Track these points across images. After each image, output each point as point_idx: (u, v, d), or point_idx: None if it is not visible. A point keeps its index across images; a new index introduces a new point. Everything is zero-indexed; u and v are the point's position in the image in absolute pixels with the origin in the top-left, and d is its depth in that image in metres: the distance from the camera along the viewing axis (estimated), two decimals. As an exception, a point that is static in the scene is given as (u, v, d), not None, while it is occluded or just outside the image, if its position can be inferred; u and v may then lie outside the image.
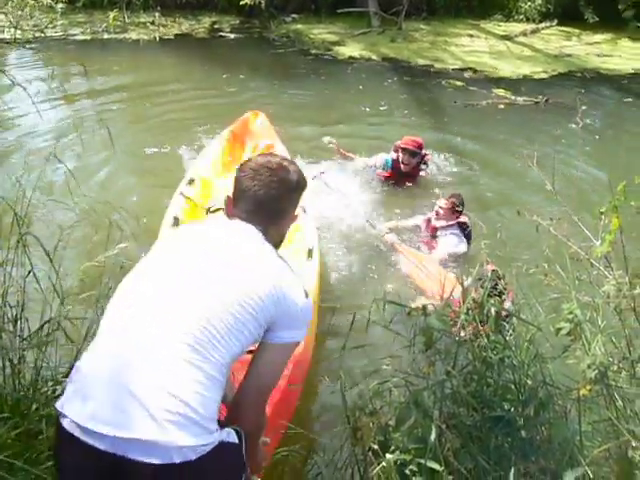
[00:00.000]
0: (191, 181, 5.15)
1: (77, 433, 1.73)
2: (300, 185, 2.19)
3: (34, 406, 2.57)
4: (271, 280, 1.94)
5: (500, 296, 2.93)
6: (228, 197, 2.18)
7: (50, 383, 2.75)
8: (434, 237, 5.41)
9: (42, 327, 2.77)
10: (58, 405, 1.81)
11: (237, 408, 1.99)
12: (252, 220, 2.08)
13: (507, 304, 3.08)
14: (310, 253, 4.32)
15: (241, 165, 2.17)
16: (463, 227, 5.33)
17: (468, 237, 5.33)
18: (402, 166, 6.35)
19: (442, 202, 5.37)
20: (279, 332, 1.97)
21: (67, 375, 2.78)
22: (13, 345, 2.72)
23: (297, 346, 2.07)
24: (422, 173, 6.59)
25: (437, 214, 5.39)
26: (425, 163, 6.53)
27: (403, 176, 6.44)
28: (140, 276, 2.00)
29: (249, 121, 6.50)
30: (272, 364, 2.00)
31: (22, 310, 2.79)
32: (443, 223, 5.35)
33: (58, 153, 3.22)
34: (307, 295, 2.04)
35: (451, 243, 5.28)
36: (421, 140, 6.45)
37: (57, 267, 2.90)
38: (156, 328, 1.83)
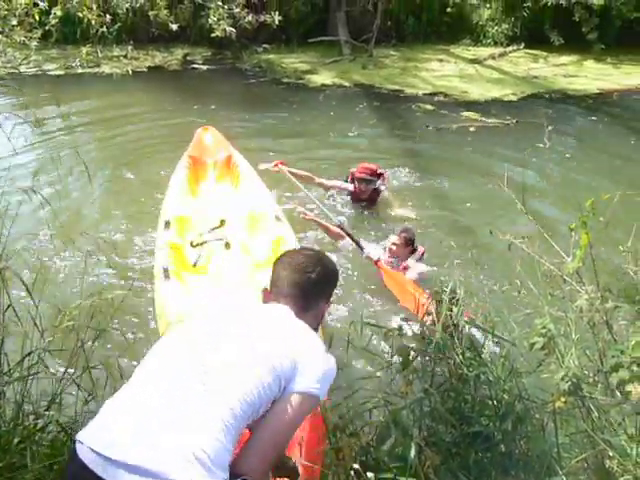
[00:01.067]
0: (167, 224, 5.11)
1: (82, 454, 1.74)
2: (334, 274, 2.34)
3: (16, 440, 2.56)
4: (294, 341, 2.04)
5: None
6: (265, 289, 2.29)
7: (32, 417, 2.74)
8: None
9: (22, 360, 2.77)
10: (77, 435, 1.82)
11: (243, 460, 1.89)
12: (287, 304, 2.18)
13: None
14: None
15: (278, 258, 2.31)
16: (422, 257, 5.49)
17: None
18: (361, 193, 6.51)
19: (394, 238, 5.38)
20: (295, 381, 1.97)
21: (49, 408, 2.79)
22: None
23: (315, 402, 2.03)
24: (383, 193, 6.68)
25: (390, 251, 5.37)
26: (383, 184, 6.65)
27: (365, 202, 6.59)
28: (180, 337, 2.08)
29: (201, 139, 6.54)
30: (285, 415, 1.94)
31: (2, 344, 2.80)
32: (412, 262, 5.39)
33: (36, 188, 3.25)
34: (329, 355, 2.09)
35: (421, 267, 5.38)
36: (375, 166, 6.57)
37: (36, 300, 2.91)
38: (186, 380, 1.87)
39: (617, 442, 2.32)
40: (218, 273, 4.57)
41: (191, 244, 4.85)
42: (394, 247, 5.35)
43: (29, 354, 2.78)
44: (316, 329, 2.31)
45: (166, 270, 4.45)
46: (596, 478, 2.32)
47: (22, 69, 11.67)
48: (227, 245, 4.81)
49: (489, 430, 2.48)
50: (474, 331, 2.89)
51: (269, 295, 2.26)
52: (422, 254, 5.48)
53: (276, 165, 6.42)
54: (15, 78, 10.82)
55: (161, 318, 4.09)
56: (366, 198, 6.56)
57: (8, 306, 2.84)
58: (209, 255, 4.76)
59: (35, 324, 2.85)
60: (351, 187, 6.59)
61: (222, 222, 5.08)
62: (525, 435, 2.51)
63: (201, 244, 4.84)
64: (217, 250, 4.80)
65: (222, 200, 5.59)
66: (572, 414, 2.50)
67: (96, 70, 12.60)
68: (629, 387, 2.28)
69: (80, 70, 12.56)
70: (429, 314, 2.87)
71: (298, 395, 1.96)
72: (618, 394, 2.41)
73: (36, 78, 11.76)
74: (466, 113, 10.38)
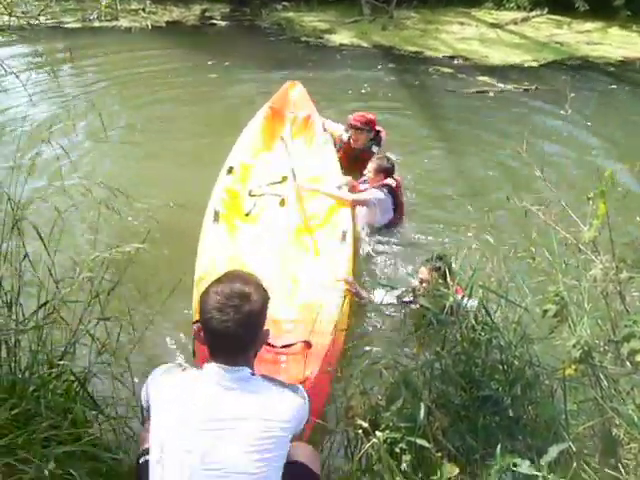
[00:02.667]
0: (230, 169, 5.22)
1: None
2: (263, 303, 2.21)
3: (31, 388, 2.60)
4: (278, 419, 2.11)
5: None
6: (198, 327, 2.28)
7: (46, 366, 2.78)
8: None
9: (38, 310, 2.80)
10: None
11: None
12: (233, 356, 2.17)
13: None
14: (344, 236, 4.44)
15: (205, 299, 2.16)
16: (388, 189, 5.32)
17: (395, 202, 5.37)
18: (354, 143, 6.08)
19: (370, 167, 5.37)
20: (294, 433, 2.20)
21: (62, 358, 2.82)
22: (8, 328, 2.75)
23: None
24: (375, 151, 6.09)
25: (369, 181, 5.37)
26: (378, 143, 6.16)
27: (356, 160, 5.98)
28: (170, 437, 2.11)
29: (287, 92, 6.59)
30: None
31: (18, 295, 2.83)
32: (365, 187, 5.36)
33: (51, 138, 3.24)
34: (296, 389, 2.24)
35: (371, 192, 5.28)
36: (372, 116, 6.14)
37: (53, 252, 2.94)
38: None
39: (625, 411, 2.34)
40: (267, 226, 4.67)
41: (249, 193, 4.99)
42: (368, 176, 5.36)
43: (45, 304, 2.81)
44: (262, 344, 2.35)
45: (217, 213, 4.58)
46: (603, 445, 2.34)
47: (39, 20, 11.67)
48: (282, 202, 4.92)
49: (498, 394, 2.50)
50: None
51: (203, 338, 2.21)
52: (387, 187, 5.33)
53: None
54: (33, 29, 10.81)
55: (201, 259, 4.16)
56: (358, 153, 6.03)
57: (24, 256, 2.86)
58: (263, 207, 4.88)
59: (51, 274, 2.87)
60: (346, 137, 6.17)
61: (284, 179, 5.18)
62: (534, 401, 2.53)
63: (259, 195, 4.97)
64: (272, 204, 4.92)
65: (290, 157, 5.63)
66: (582, 382, 2.52)
67: (114, 24, 12.53)
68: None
69: (97, 23, 12.52)
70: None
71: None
72: (628, 364, 2.42)
73: (53, 30, 11.68)
74: (486, 77, 10.24)
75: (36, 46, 10.43)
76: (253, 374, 2.20)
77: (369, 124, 6.06)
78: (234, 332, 2.11)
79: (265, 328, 2.27)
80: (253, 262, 4.12)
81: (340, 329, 3.39)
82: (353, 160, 6.05)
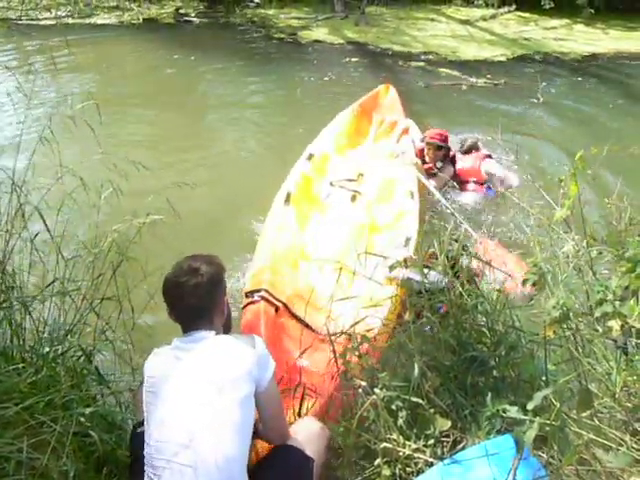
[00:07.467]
0: (310, 156, 5.37)
1: None
2: (213, 274, 2.43)
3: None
4: (239, 369, 2.26)
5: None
6: (168, 309, 2.45)
7: (55, 342, 2.90)
8: None
9: (46, 288, 2.93)
10: None
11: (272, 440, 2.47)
12: (198, 322, 2.38)
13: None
14: (407, 242, 4.33)
15: (165, 284, 2.42)
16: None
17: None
18: (428, 159, 5.79)
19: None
20: (258, 384, 2.31)
21: (67, 334, 2.95)
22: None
23: (274, 374, 2.39)
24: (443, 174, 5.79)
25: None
26: (448, 161, 5.87)
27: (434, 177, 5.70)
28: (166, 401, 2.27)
29: (379, 94, 6.72)
30: (273, 404, 2.41)
31: (28, 274, 2.98)
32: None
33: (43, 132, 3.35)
34: (254, 345, 2.33)
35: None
36: (445, 132, 5.90)
37: (56, 233, 3.08)
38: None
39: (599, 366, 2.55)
40: (334, 219, 4.75)
41: (331, 183, 5.14)
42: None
43: (53, 282, 2.94)
44: (229, 317, 2.63)
45: (289, 195, 4.70)
46: (580, 398, 2.54)
47: (11, 16, 11.72)
48: (353, 198, 5.01)
49: (484, 356, 2.70)
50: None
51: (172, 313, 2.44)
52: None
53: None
54: (9, 27, 10.87)
55: (263, 238, 4.22)
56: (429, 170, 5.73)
57: (34, 237, 3.00)
58: (335, 200, 5.00)
59: (60, 253, 3.01)
60: (419, 145, 5.87)
61: (359, 176, 5.28)
62: (516, 361, 2.73)
63: (338, 187, 5.12)
64: (343, 199, 5.02)
65: (369, 157, 5.75)
66: (559, 344, 2.72)
67: (88, 21, 12.58)
68: (611, 323, 2.49)
69: (71, 20, 12.55)
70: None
71: (265, 390, 2.33)
72: (600, 329, 2.62)
73: (27, 27, 11.70)
74: (457, 72, 10.45)
75: (8, 43, 10.51)
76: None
77: (446, 141, 5.81)
78: (187, 303, 2.36)
79: (225, 295, 2.53)
80: (314, 253, 4.24)
81: (385, 331, 3.28)
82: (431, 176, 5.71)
